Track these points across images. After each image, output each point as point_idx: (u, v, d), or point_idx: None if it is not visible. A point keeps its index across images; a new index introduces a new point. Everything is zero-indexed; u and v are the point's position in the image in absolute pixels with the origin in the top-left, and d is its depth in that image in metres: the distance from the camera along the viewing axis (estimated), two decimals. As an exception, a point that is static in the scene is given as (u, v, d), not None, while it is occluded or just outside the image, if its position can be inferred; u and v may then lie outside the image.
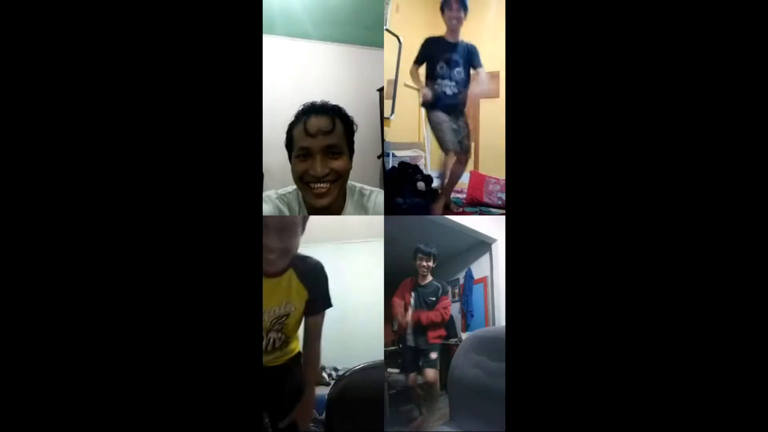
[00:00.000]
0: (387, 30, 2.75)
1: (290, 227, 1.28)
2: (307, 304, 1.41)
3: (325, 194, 1.30)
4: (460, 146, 2.15)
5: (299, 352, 1.52)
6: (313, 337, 1.41)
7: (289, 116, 1.37)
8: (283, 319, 1.38)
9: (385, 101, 2.66)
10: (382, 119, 2.44)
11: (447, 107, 2.15)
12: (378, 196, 1.43)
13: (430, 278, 2.14)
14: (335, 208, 1.36)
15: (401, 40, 2.86)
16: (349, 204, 1.40)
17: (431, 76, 2.15)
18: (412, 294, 2.11)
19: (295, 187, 1.39)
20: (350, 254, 1.64)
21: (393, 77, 2.88)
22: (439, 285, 2.18)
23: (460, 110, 2.17)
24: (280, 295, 1.36)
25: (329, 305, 1.43)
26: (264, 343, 1.38)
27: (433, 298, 2.14)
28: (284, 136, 1.39)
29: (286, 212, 1.36)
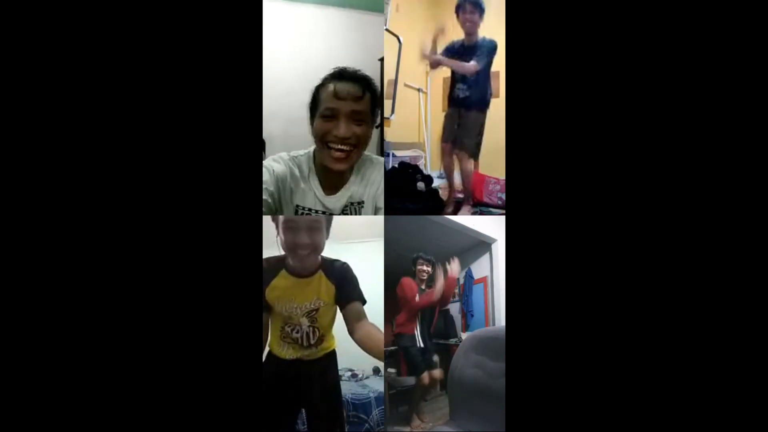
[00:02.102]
0: (387, 30, 2.75)
1: (318, 226, 1.37)
2: (336, 297, 1.48)
3: (344, 159, 1.33)
4: (461, 145, 2.17)
5: (334, 350, 1.59)
6: (353, 321, 1.43)
7: (308, 81, 1.43)
8: (314, 313, 1.47)
9: (386, 101, 2.66)
10: (382, 90, 2.44)
11: (478, 106, 2.15)
12: (379, 169, 1.46)
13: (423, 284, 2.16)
14: (345, 175, 1.40)
15: (401, 40, 2.86)
16: (354, 176, 1.44)
17: (455, 80, 2.18)
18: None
19: (306, 150, 1.43)
20: (350, 254, 1.65)
21: (393, 77, 2.88)
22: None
23: (478, 109, 2.17)
24: (310, 293, 1.45)
25: (362, 300, 1.48)
26: (298, 336, 1.48)
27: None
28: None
29: (297, 173, 1.39)
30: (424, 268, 2.14)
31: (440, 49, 2.19)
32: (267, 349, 1.55)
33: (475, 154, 2.23)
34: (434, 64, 2.20)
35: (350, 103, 1.31)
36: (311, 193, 1.41)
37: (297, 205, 1.40)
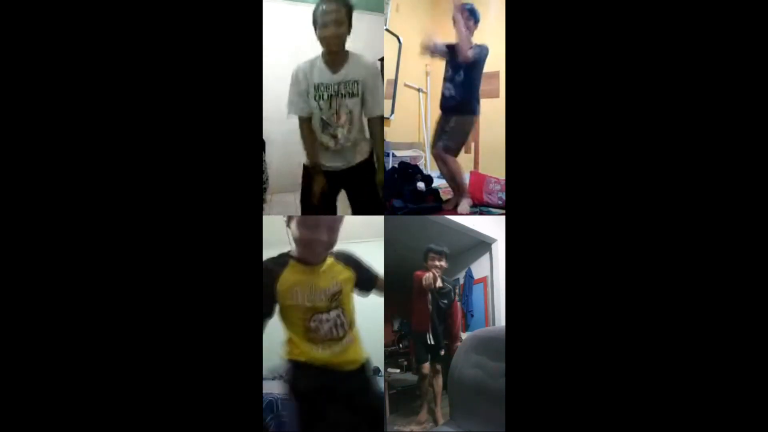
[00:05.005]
0: (387, 30, 2.76)
1: (336, 225, 1.47)
2: (357, 280, 1.55)
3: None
4: (444, 147, 2.20)
5: (368, 360, 1.53)
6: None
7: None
8: (337, 295, 1.48)
9: (386, 101, 2.66)
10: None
11: (445, 109, 2.22)
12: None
13: (440, 282, 2.05)
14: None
15: (401, 40, 2.86)
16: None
17: (444, 77, 2.23)
18: (429, 296, 2.05)
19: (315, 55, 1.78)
20: (350, 254, 1.67)
21: (393, 77, 2.89)
22: (452, 288, 2.12)
23: (457, 113, 2.21)
24: (326, 278, 1.47)
25: (380, 276, 1.59)
26: (328, 327, 1.45)
27: (446, 301, 2.09)
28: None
29: (308, 67, 1.76)
30: (436, 262, 2.04)
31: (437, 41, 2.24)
32: (287, 358, 1.45)
33: (456, 154, 2.26)
34: (432, 48, 2.22)
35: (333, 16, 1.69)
36: (321, 72, 1.75)
37: (315, 84, 1.75)
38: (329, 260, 1.49)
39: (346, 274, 1.50)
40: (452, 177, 2.24)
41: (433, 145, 2.27)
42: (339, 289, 1.47)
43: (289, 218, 1.46)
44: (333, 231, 1.45)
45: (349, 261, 1.53)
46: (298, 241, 1.44)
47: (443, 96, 2.22)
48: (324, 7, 1.67)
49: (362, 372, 1.49)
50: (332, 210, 1.89)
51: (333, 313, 1.45)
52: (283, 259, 1.45)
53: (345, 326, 1.46)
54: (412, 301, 2.07)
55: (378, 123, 1.84)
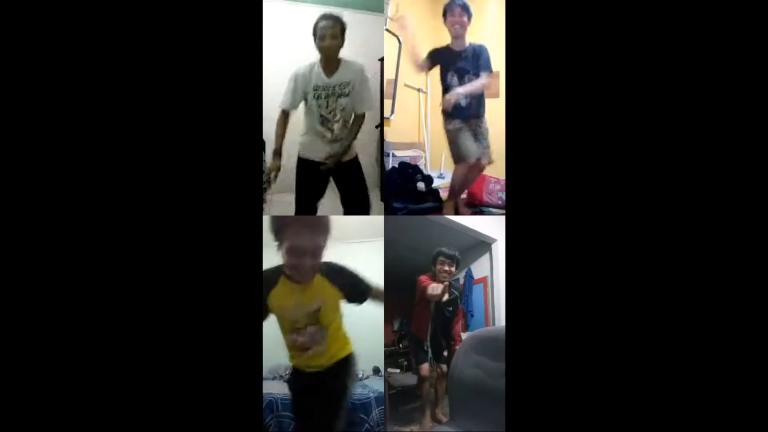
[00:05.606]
0: (387, 30, 2.75)
1: (320, 251, 1.49)
2: (347, 294, 1.56)
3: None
4: (478, 154, 2.09)
5: (350, 354, 1.60)
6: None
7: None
8: (316, 312, 1.52)
9: (386, 101, 2.66)
10: (383, 90, 2.50)
11: (462, 115, 2.11)
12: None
13: (446, 296, 2.01)
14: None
15: (401, 40, 2.86)
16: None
17: (444, 86, 2.13)
18: (432, 306, 2.02)
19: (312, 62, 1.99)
20: (350, 254, 1.66)
21: (393, 77, 2.88)
22: (458, 295, 2.09)
23: (477, 116, 2.12)
24: (312, 294, 1.51)
25: (371, 289, 1.59)
26: (301, 341, 1.52)
27: (451, 308, 2.05)
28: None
29: (307, 69, 1.96)
30: (446, 267, 1.99)
31: (425, 53, 2.16)
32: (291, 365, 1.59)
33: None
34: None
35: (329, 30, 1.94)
36: (318, 76, 1.98)
37: (314, 86, 1.98)
38: (317, 277, 1.52)
39: (330, 290, 1.53)
40: (464, 184, 2.19)
41: (465, 156, 2.11)
42: (318, 306, 1.51)
43: (277, 234, 1.46)
44: (316, 256, 1.49)
45: (336, 277, 1.55)
46: (286, 265, 1.48)
47: (458, 105, 2.09)
48: (322, 23, 1.94)
49: (324, 371, 1.56)
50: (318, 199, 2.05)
51: (311, 329, 1.52)
52: (278, 271, 1.50)
53: (320, 338, 1.52)
54: (414, 306, 2.06)
55: (357, 120, 2.02)
